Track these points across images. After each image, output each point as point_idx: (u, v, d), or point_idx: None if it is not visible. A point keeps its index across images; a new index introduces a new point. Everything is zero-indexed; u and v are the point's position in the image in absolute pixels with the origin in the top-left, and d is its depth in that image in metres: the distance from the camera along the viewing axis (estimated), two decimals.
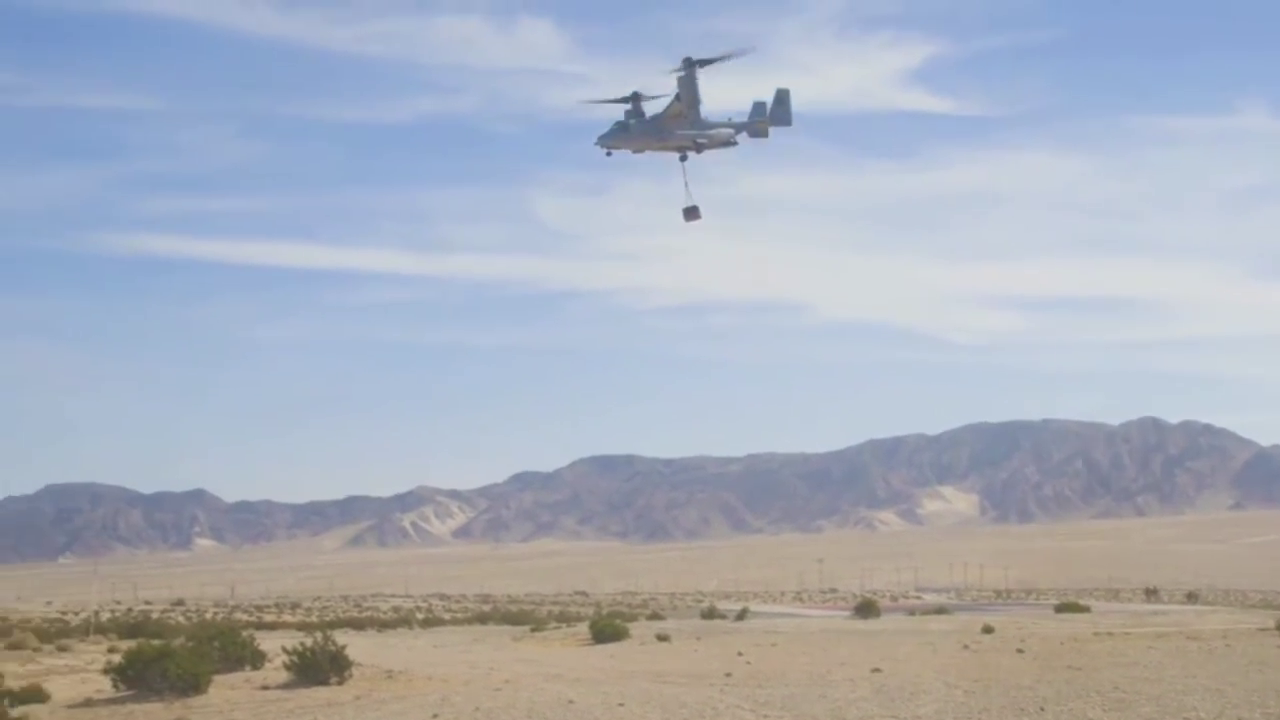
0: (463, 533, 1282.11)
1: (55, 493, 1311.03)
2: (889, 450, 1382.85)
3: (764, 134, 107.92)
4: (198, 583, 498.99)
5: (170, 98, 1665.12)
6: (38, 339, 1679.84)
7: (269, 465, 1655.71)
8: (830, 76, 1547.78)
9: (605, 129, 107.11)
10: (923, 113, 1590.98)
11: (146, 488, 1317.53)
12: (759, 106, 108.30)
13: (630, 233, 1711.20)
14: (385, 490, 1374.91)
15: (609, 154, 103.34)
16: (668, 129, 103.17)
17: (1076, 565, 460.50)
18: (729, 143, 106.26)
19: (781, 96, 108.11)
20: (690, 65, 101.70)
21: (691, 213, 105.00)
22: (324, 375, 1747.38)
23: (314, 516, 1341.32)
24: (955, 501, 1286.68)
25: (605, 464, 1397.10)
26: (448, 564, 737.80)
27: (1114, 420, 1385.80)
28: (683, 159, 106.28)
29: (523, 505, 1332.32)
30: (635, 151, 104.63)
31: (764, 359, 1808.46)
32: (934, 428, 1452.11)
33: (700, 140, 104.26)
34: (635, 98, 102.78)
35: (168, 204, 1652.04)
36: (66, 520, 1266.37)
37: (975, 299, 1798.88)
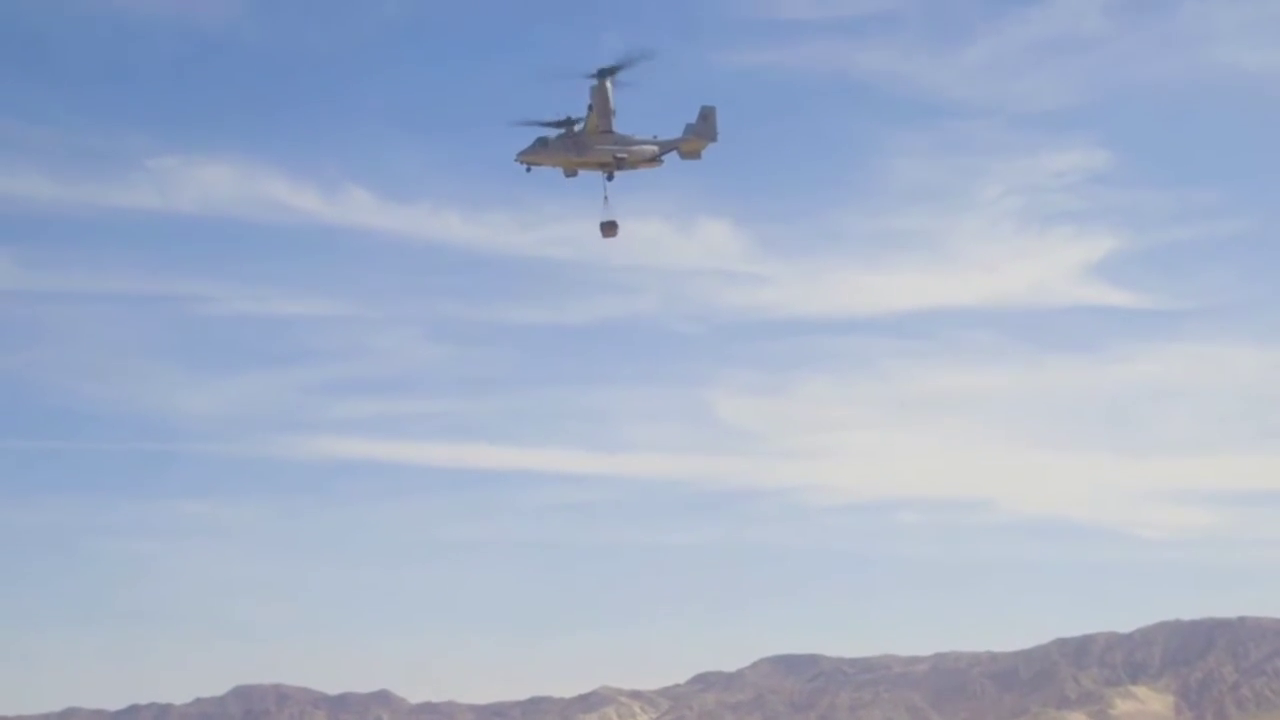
0: None
1: (243, 694, 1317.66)
2: (1079, 648, 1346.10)
3: (696, 155, 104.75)
4: None
5: (358, 303, 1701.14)
6: (226, 541, 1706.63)
7: (452, 665, 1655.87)
8: (1010, 272, 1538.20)
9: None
10: (1105, 306, 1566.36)
11: (332, 688, 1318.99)
12: (690, 128, 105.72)
13: (811, 430, 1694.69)
14: (568, 690, 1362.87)
15: (528, 170, 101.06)
16: (587, 144, 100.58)
17: None
18: (654, 160, 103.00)
19: (706, 113, 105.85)
20: (601, 75, 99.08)
21: (609, 228, 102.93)
22: (506, 574, 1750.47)
23: (496, 717, 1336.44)
24: (1149, 702, 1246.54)
25: (788, 663, 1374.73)
26: None
27: None
28: (609, 178, 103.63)
29: (705, 705, 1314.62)
30: (568, 174, 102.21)
31: (948, 556, 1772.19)
32: (1125, 625, 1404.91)
33: (620, 155, 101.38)
34: (568, 122, 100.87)
35: (356, 407, 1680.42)
36: None
37: (1163, 494, 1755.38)
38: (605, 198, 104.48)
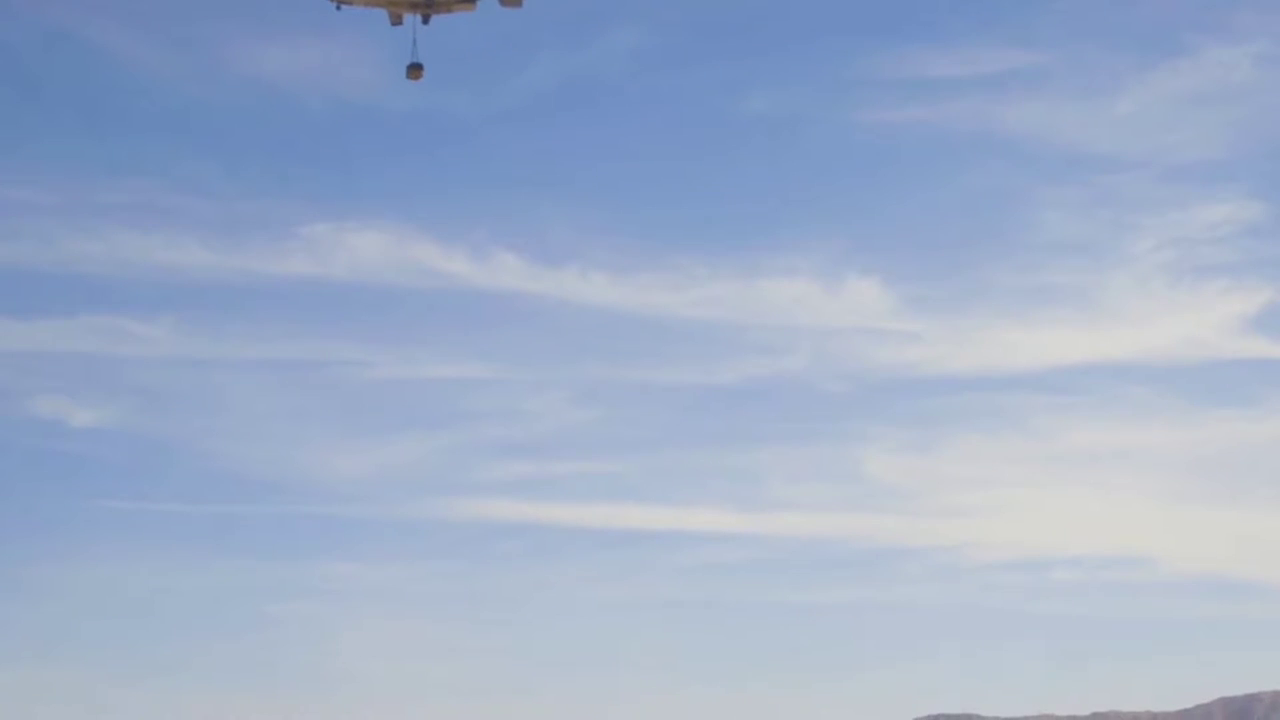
0: None
1: None
2: (1242, 709, 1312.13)
3: (516, 3, 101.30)
4: None
5: (508, 366, 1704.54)
6: (378, 602, 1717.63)
7: None
8: (1163, 326, 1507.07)
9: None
10: (1262, 359, 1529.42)
11: None
12: None
13: (963, 488, 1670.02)
14: None
15: (339, 8, 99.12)
16: None
17: None
18: (468, 3, 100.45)
19: None
20: None
21: (414, 70, 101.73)
22: (655, 635, 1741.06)
23: None
24: None
25: None
26: None
27: None
28: (425, 21, 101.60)
29: None
30: (393, 22, 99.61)
31: (1105, 613, 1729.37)
32: None
33: None
34: None
35: (506, 469, 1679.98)
36: None
37: None
38: (414, 40, 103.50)
